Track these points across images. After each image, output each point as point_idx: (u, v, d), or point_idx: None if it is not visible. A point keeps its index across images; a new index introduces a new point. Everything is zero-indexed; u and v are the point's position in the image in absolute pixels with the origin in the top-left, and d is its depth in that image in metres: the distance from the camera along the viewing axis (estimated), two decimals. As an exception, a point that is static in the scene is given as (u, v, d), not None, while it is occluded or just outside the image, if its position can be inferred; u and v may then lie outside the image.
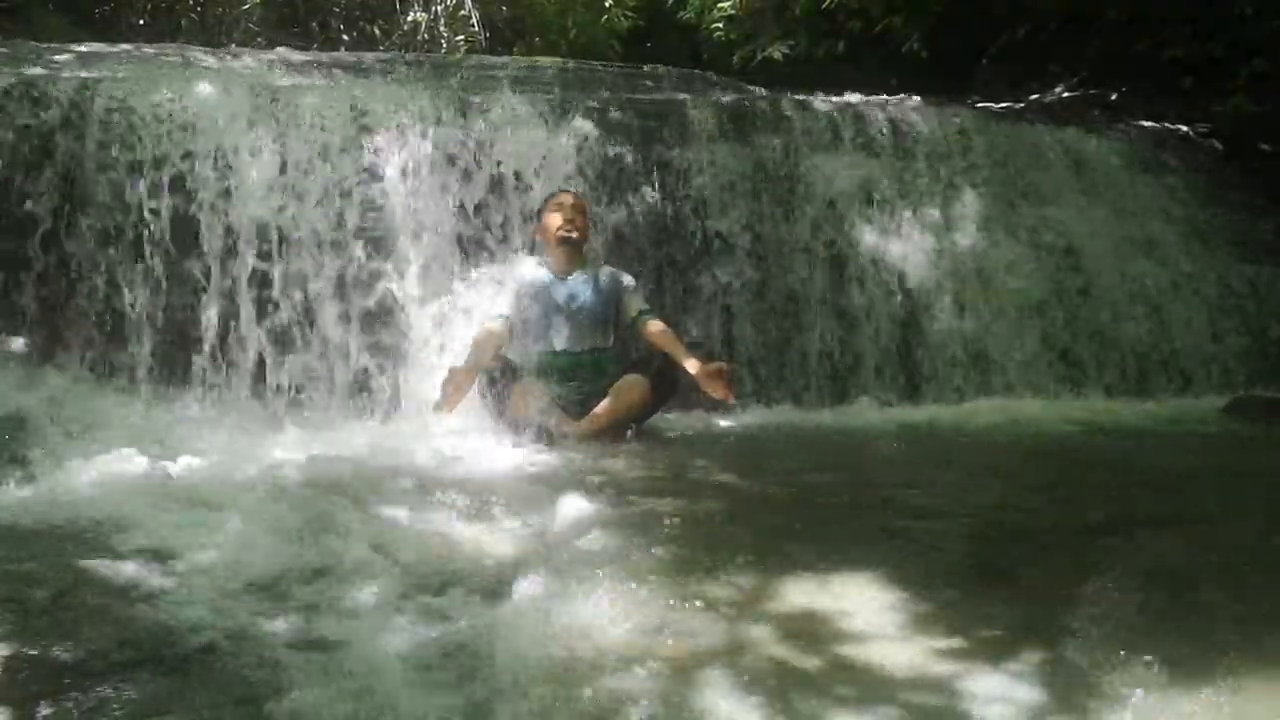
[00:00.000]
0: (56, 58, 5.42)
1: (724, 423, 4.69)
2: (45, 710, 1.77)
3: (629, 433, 4.29)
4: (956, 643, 2.14)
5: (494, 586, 2.36)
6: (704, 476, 3.62)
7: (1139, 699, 1.87)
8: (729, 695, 1.88)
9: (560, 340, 4.48)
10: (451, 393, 4.28)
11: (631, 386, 4.36)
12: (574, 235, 4.59)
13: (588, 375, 4.45)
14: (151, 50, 6.32)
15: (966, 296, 5.53)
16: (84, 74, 4.95)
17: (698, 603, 2.32)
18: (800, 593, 2.40)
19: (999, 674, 1.99)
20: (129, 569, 2.45)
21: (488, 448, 3.87)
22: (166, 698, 1.82)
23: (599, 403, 4.33)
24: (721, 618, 2.25)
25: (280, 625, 2.12)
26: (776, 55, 9.63)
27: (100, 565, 2.46)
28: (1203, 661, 1.99)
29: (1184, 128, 6.82)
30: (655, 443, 4.23)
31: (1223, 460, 4.06)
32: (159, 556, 2.52)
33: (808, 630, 2.20)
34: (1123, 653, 2.02)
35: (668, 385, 4.48)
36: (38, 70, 4.95)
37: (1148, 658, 1.99)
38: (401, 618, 2.18)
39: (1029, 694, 1.91)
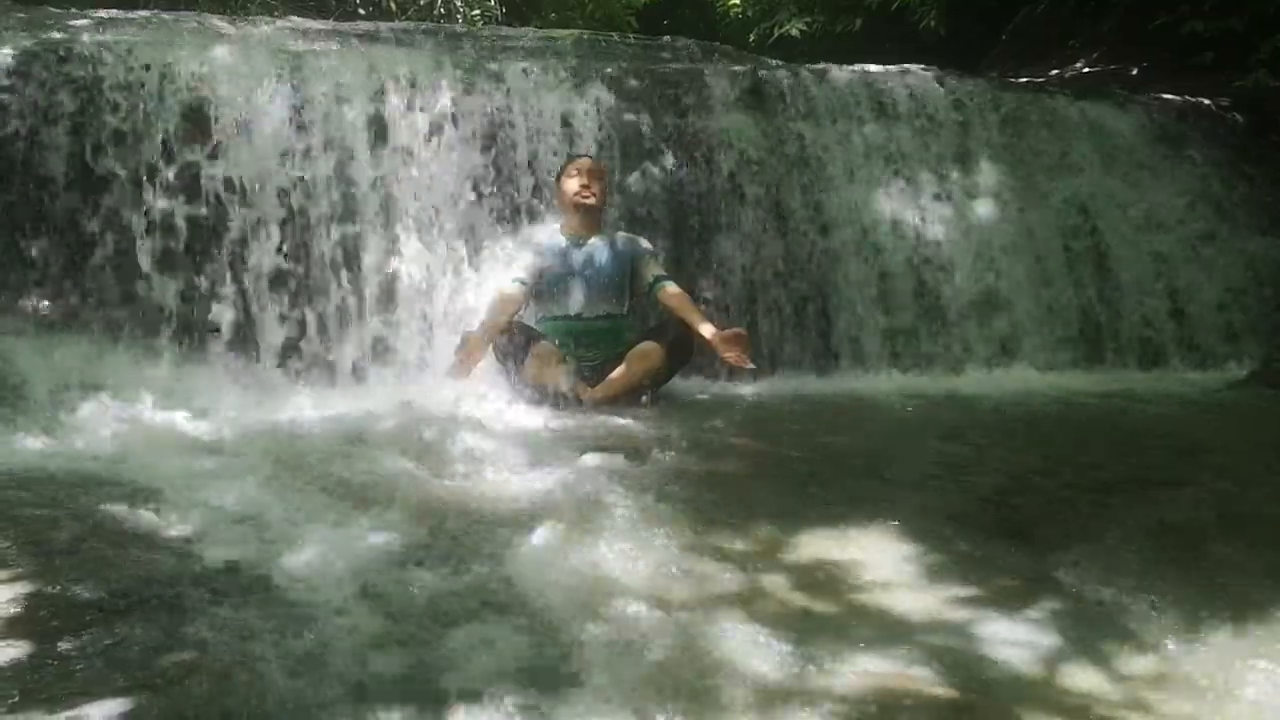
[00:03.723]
0: (74, 23, 5.43)
1: (740, 389, 4.68)
2: (66, 645, 1.77)
3: (644, 398, 4.28)
4: (972, 591, 2.15)
5: (511, 536, 2.36)
6: (720, 438, 3.62)
7: (1150, 643, 1.89)
8: (746, 638, 1.89)
9: (576, 305, 4.48)
10: (465, 357, 4.29)
11: (647, 353, 4.35)
12: (591, 201, 4.57)
13: (603, 341, 4.44)
14: (169, 17, 6.32)
15: (985, 266, 5.50)
16: (103, 36, 4.96)
17: (715, 553, 2.33)
18: (817, 545, 2.41)
19: (1014, 620, 2.01)
20: (149, 516, 2.47)
21: (503, 410, 3.88)
22: (187, 635, 1.83)
23: (614, 368, 4.32)
24: (739, 567, 2.26)
25: (301, 568, 2.13)
26: (794, 32, 9.63)
27: (121, 511, 2.48)
28: (1214, 609, 2.00)
29: (1206, 101, 6.74)
30: (671, 408, 4.23)
31: (1240, 427, 4.04)
32: (179, 504, 2.54)
33: (825, 579, 2.22)
34: (1135, 600, 2.03)
35: (683, 352, 4.48)
36: (57, 34, 4.96)
37: (1159, 604, 2.01)
38: (420, 561, 2.19)
39: (1044, 638, 1.93)
